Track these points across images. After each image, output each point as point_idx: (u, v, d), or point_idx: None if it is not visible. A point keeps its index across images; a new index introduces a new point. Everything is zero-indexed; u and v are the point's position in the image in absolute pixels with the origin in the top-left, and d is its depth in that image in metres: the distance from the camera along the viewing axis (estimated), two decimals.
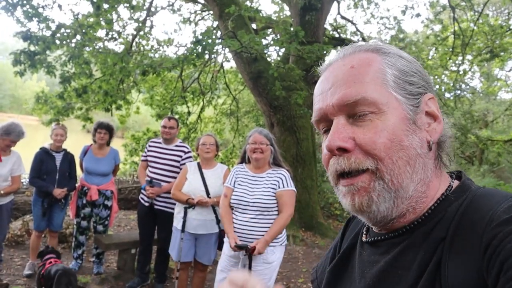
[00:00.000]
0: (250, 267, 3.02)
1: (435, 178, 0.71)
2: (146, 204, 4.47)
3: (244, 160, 3.32)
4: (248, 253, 2.94)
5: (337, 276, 0.84)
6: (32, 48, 6.54)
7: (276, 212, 3.10)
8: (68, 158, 4.82)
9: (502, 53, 10.56)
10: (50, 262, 3.91)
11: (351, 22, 12.07)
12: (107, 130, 4.81)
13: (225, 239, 3.24)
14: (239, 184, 3.17)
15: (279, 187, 3.08)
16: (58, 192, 4.55)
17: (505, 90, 17.01)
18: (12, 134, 4.18)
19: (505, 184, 16.38)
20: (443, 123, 0.72)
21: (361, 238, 0.82)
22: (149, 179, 4.38)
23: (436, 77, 11.82)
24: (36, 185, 4.63)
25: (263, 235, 3.03)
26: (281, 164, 3.25)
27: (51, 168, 4.66)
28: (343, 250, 0.85)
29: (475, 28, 10.11)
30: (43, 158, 4.65)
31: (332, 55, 0.79)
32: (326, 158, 0.72)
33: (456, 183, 0.73)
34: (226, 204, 3.26)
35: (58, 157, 4.73)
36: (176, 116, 10.76)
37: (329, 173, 0.72)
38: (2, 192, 4.08)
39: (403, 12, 11.18)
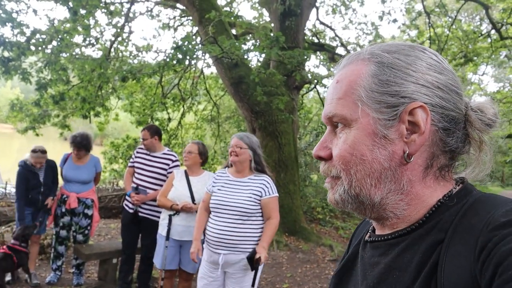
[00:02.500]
0: (254, 278, 3.00)
1: (423, 187, 0.71)
2: (131, 211, 4.38)
3: (228, 165, 3.30)
4: (254, 265, 2.90)
5: (342, 280, 0.86)
6: (6, 54, 6.36)
7: (255, 218, 3.07)
8: (51, 167, 4.76)
9: (475, 58, 10.84)
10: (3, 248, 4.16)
11: (330, 27, 12.20)
12: (78, 146, 4.67)
13: (204, 245, 3.20)
14: (218, 189, 3.15)
15: (264, 194, 3.07)
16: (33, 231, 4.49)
17: (479, 94, 17.45)
18: None
19: (481, 186, 16.79)
20: (444, 131, 0.70)
21: (364, 238, 0.84)
22: (135, 185, 4.30)
23: None
24: (18, 209, 4.55)
25: (241, 241, 3.01)
26: (264, 170, 3.23)
27: (35, 184, 4.62)
28: (348, 255, 0.88)
29: (450, 33, 10.36)
30: (27, 176, 4.59)
31: (338, 63, 0.81)
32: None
33: (457, 189, 0.72)
34: (201, 208, 3.29)
35: (41, 172, 4.68)
36: (157, 123, 10.66)
37: None
38: None
39: (380, 18, 11.37)
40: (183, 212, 3.72)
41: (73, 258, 4.77)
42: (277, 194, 3.16)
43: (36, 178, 4.63)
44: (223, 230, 3.01)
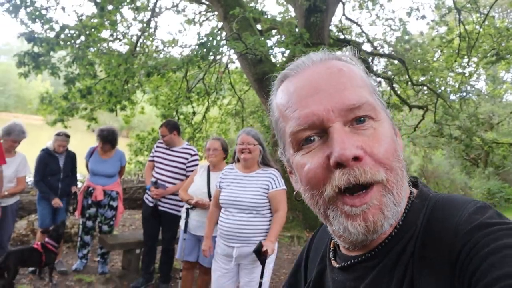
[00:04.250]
0: (263, 271, 3.04)
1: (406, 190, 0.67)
2: (151, 204, 4.48)
3: (234, 160, 3.35)
4: (261, 257, 2.94)
5: None
6: (36, 49, 6.56)
7: (265, 212, 3.13)
8: (71, 157, 4.87)
9: (508, 56, 10.50)
10: (37, 244, 4.25)
11: (356, 23, 12.03)
12: (105, 141, 4.80)
13: (217, 239, 3.27)
14: (227, 185, 3.21)
15: (272, 187, 3.11)
16: (56, 202, 4.59)
17: (511, 93, 16.95)
18: (12, 134, 4.23)
19: (510, 187, 16.33)
20: None
21: (330, 263, 0.76)
22: (154, 180, 4.39)
23: (442, 79, 11.76)
24: (39, 189, 4.69)
25: (252, 234, 3.07)
26: (270, 164, 3.28)
27: (55, 169, 4.71)
28: (314, 277, 0.79)
29: (481, 30, 10.06)
30: (47, 160, 4.70)
31: (295, 62, 0.70)
32: (322, 173, 0.61)
33: (415, 192, 0.69)
34: (212, 204, 3.38)
35: (61, 158, 4.78)
36: (181, 117, 10.80)
37: (325, 190, 0.62)
38: (6, 193, 4.10)
39: (409, 14, 11.13)
40: (198, 207, 3.79)
41: (98, 247, 4.93)
42: (284, 187, 3.20)
43: (55, 163, 4.71)
44: (235, 224, 3.08)
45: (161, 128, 4.54)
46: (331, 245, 0.78)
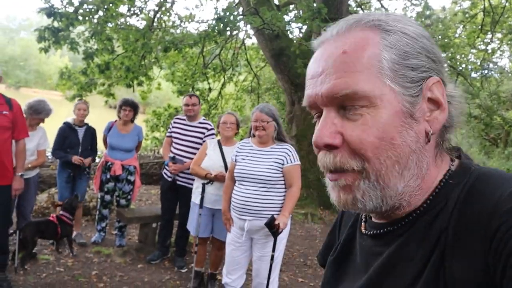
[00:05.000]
0: (274, 245, 3.08)
1: (434, 168, 0.66)
2: (169, 179, 4.55)
3: (250, 135, 3.38)
4: (273, 230, 2.97)
5: (340, 267, 0.81)
6: (55, 24, 6.60)
7: (279, 186, 3.16)
8: (90, 132, 4.95)
9: None
10: (52, 217, 4.37)
11: None
12: (132, 107, 4.89)
13: (231, 212, 3.32)
14: (242, 159, 3.24)
15: (287, 162, 3.13)
16: (76, 158, 4.67)
17: None
18: (42, 113, 4.39)
19: None
20: (451, 106, 0.66)
21: (359, 228, 0.77)
22: (172, 155, 4.44)
23: (463, 55, 11.46)
24: (57, 156, 4.83)
25: (265, 208, 3.11)
26: (285, 139, 3.29)
27: (74, 141, 4.80)
28: (343, 240, 0.82)
29: (507, 4, 9.71)
30: (67, 132, 4.80)
31: (326, 32, 0.69)
32: (316, 151, 0.67)
33: (455, 164, 0.68)
34: (228, 178, 3.41)
35: (81, 131, 4.86)
36: (197, 93, 10.81)
37: (320, 166, 0.68)
38: (30, 165, 4.21)
39: None
40: (216, 181, 3.82)
41: (116, 221, 5.05)
42: (299, 162, 3.21)
43: (75, 136, 4.81)
44: (248, 197, 3.12)
45: (193, 97, 4.60)
46: (362, 216, 0.79)
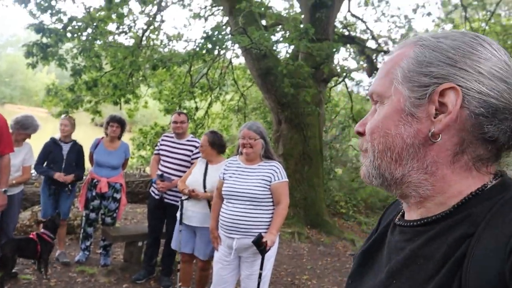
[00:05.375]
0: (262, 263, 3.06)
1: (452, 173, 0.69)
2: (157, 197, 4.52)
3: (238, 152, 3.38)
4: (261, 248, 2.95)
5: (367, 259, 0.86)
6: (44, 40, 6.59)
7: (267, 204, 3.15)
8: (76, 148, 4.88)
9: None
10: (33, 234, 4.23)
11: (361, 20, 12.01)
12: (120, 124, 4.87)
13: (219, 230, 3.29)
14: (230, 176, 3.24)
15: (274, 179, 3.14)
16: (58, 175, 4.60)
17: None
18: (30, 129, 4.34)
19: None
20: (476, 116, 0.67)
21: (393, 221, 0.84)
22: (160, 173, 4.42)
23: None
24: (38, 171, 4.76)
25: (253, 226, 3.09)
26: (272, 157, 3.30)
27: (58, 157, 4.74)
28: (376, 235, 0.89)
29: (487, 28, 10.03)
30: (51, 147, 4.77)
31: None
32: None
33: (495, 181, 0.70)
34: (216, 196, 3.41)
35: (66, 147, 4.80)
36: (184, 111, 10.81)
37: None
38: (14, 182, 4.14)
39: (414, 11, 11.15)
40: (191, 197, 3.82)
41: (101, 240, 4.96)
42: (286, 179, 3.22)
43: (59, 152, 4.74)
44: (236, 215, 3.11)
45: (182, 115, 4.61)
46: (399, 212, 0.86)
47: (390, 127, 0.73)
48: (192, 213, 3.84)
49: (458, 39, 0.70)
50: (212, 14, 12.43)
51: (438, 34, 0.74)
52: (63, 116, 4.98)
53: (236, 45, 7.53)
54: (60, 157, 4.75)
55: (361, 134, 0.80)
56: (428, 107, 0.69)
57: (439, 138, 0.68)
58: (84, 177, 5.23)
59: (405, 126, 0.71)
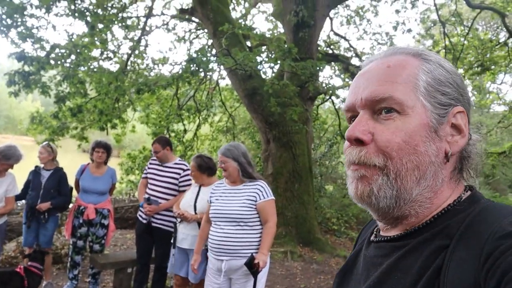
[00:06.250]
0: (255, 285, 3.01)
1: (447, 188, 0.72)
2: (144, 221, 4.44)
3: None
4: (253, 270, 2.92)
5: (344, 278, 0.86)
6: (26, 68, 6.56)
7: (255, 224, 3.13)
8: (58, 175, 4.79)
9: (492, 67, 10.71)
10: (20, 268, 4.00)
11: (344, 38, 12.23)
12: (105, 149, 4.82)
13: (208, 253, 3.27)
14: (216, 199, 3.25)
15: (259, 198, 3.13)
16: (41, 206, 4.56)
17: (497, 103, 17.18)
18: (12, 159, 4.27)
19: (501, 196, 16.43)
20: (471, 140, 0.74)
21: (369, 238, 0.84)
22: (147, 196, 4.37)
23: None
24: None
25: (241, 247, 3.07)
26: (253, 176, 3.27)
27: (36, 184, 4.68)
28: (351, 254, 0.88)
29: (466, 42, 10.29)
30: (32, 175, 4.74)
31: (375, 54, 0.81)
32: (345, 147, 0.75)
33: (467, 194, 0.73)
34: (204, 219, 3.44)
35: (46, 174, 4.74)
36: (173, 134, 10.80)
37: (345, 161, 0.76)
38: None
39: (395, 28, 11.36)
40: (183, 220, 3.82)
41: (89, 268, 4.84)
42: (272, 197, 3.21)
43: (37, 179, 4.68)
44: (224, 237, 3.09)
45: (154, 144, 4.54)
46: (375, 230, 0.85)
47: (418, 143, 0.68)
48: (183, 235, 3.82)
49: (450, 64, 0.76)
50: (197, 37, 12.56)
51: (432, 52, 0.76)
52: (43, 144, 4.92)
53: (222, 67, 7.58)
54: (39, 184, 4.68)
55: (360, 142, 0.71)
56: (446, 127, 0.71)
57: (450, 159, 0.71)
58: (71, 205, 5.13)
59: (430, 143, 0.69)
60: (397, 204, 0.69)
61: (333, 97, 11.65)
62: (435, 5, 10.07)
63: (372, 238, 0.81)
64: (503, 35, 11.34)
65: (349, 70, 11.40)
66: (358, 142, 0.71)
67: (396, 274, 0.68)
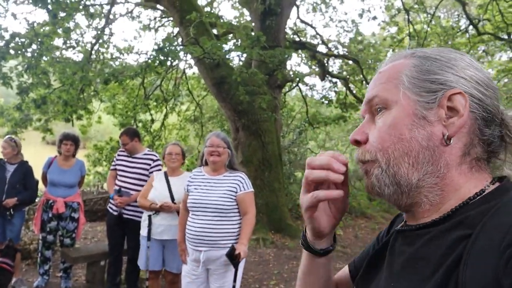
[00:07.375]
0: (236, 275, 3.06)
1: (458, 174, 0.73)
2: (115, 213, 4.41)
3: (202, 163, 3.36)
4: (234, 261, 2.95)
5: (372, 265, 0.88)
6: None
7: (234, 215, 3.15)
8: (23, 169, 4.67)
9: None
10: None
11: (311, 25, 12.33)
12: (73, 141, 4.72)
13: (186, 243, 3.26)
14: (195, 188, 3.21)
15: (240, 190, 3.14)
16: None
17: None
18: None
19: None
20: (475, 118, 0.73)
21: (396, 228, 0.86)
22: (117, 188, 4.33)
23: None
24: None
25: (220, 238, 3.08)
26: (236, 167, 3.32)
27: (0, 178, 4.52)
28: (382, 243, 0.89)
29: (429, 29, 10.56)
30: None
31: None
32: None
33: (492, 187, 0.72)
34: (182, 208, 3.36)
35: (11, 168, 4.60)
36: (140, 124, 10.64)
37: None
38: None
39: (360, 16, 11.53)
40: (163, 211, 3.78)
41: (60, 262, 4.77)
42: (252, 190, 3.24)
43: (2, 172, 4.54)
44: (202, 227, 3.08)
45: (122, 136, 4.48)
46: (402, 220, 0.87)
47: (403, 131, 0.73)
48: (164, 227, 3.78)
49: (451, 53, 0.77)
50: (162, 25, 12.34)
51: (430, 49, 0.79)
52: (5, 138, 4.74)
53: (189, 56, 7.51)
54: (3, 178, 4.53)
55: (358, 142, 0.79)
56: (438, 111, 0.72)
57: (451, 141, 0.71)
58: (38, 198, 5.02)
59: (418, 129, 0.72)
60: (402, 190, 0.73)
61: (300, 84, 11.80)
62: None
63: (398, 228, 0.83)
64: (463, 22, 11.74)
65: (316, 57, 11.53)
66: (357, 143, 0.79)
67: (417, 262, 0.70)
